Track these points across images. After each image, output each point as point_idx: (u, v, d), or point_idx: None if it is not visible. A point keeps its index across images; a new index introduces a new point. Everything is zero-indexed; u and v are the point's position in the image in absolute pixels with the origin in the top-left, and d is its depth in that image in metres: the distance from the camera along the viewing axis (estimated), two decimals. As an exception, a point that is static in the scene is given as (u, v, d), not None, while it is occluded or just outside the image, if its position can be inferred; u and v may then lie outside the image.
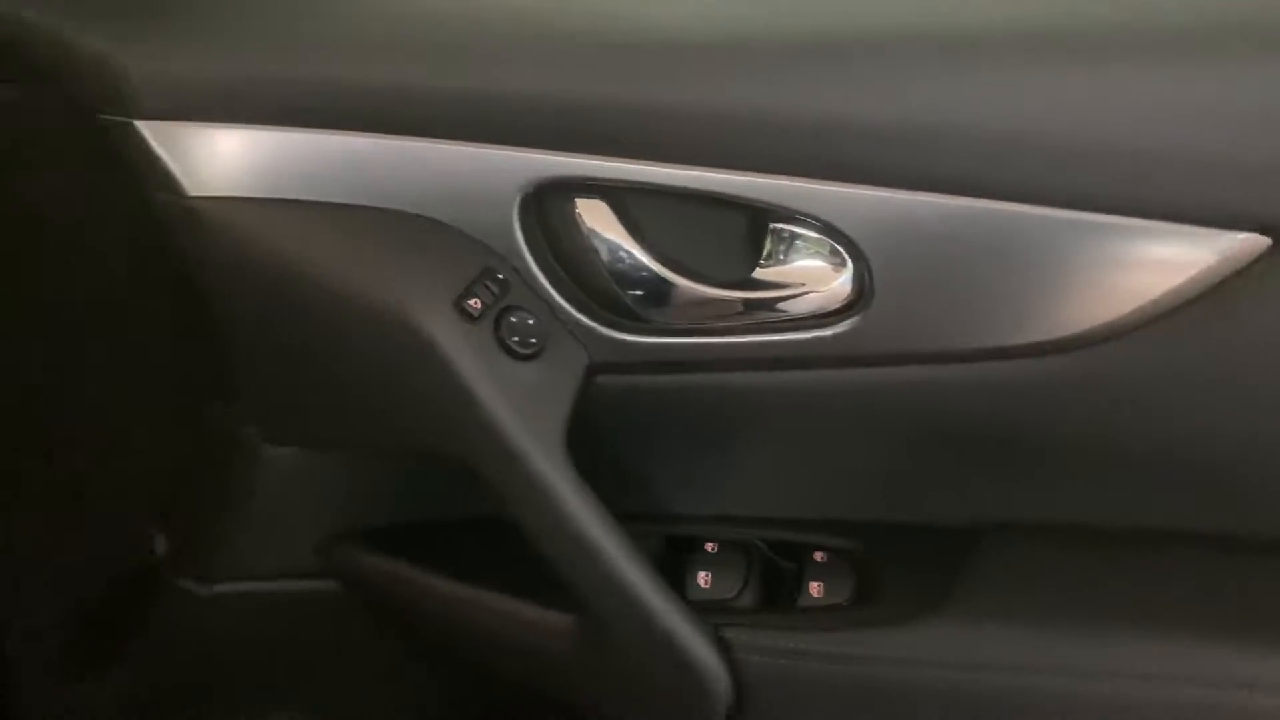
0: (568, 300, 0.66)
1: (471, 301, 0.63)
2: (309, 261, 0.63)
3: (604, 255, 0.65)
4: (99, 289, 0.72)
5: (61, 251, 0.71)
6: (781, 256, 0.65)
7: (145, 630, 0.81)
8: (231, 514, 0.75)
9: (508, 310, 0.64)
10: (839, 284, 0.65)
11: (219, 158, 0.63)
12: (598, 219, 0.65)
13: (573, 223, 0.65)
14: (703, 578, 0.72)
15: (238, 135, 0.63)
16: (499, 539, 0.68)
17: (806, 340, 0.66)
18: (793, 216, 0.64)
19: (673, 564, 0.72)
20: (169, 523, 0.77)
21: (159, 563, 0.78)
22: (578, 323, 0.66)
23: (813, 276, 0.65)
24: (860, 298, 0.64)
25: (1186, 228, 0.61)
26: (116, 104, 0.63)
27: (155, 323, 0.72)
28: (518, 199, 0.64)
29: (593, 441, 0.66)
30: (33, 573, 0.81)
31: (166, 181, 0.63)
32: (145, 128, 0.62)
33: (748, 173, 0.63)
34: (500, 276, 0.65)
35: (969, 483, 0.72)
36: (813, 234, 0.64)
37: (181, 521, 0.77)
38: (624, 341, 0.67)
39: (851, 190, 0.62)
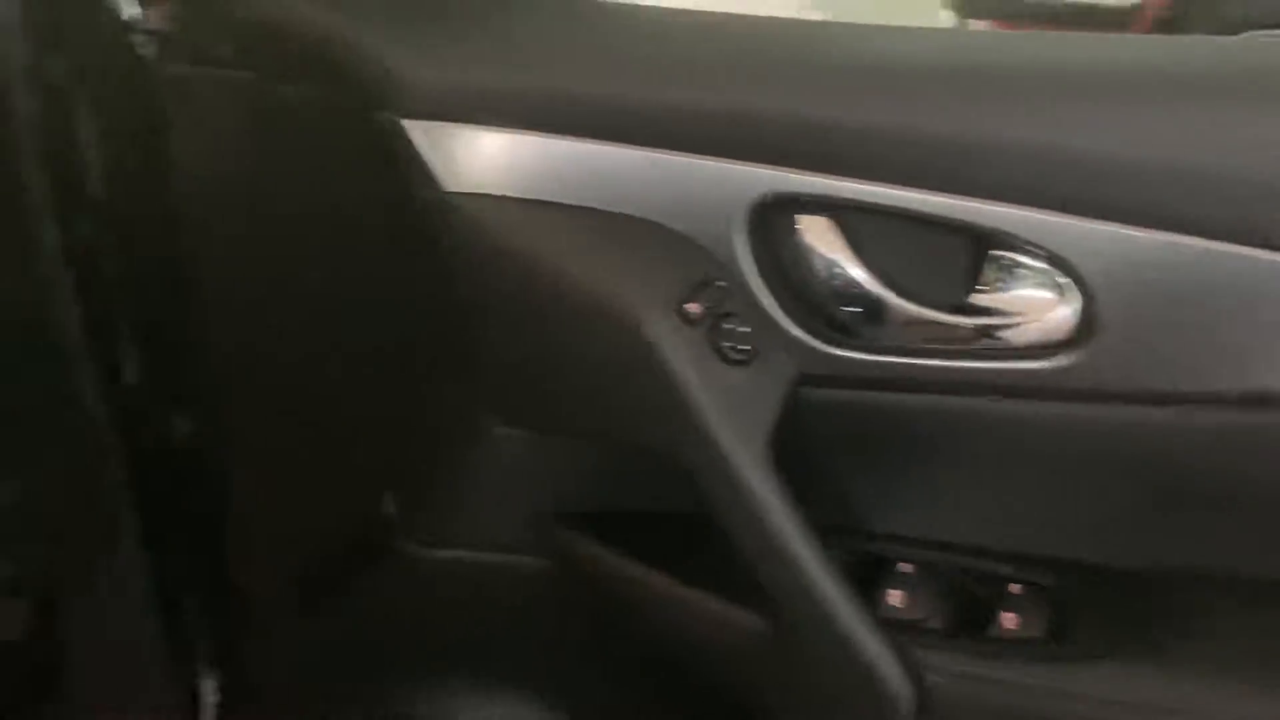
0: (783, 311, 0.68)
1: (692, 306, 0.66)
2: (547, 257, 0.68)
3: (823, 270, 0.67)
4: (359, 274, 0.79)
5: (328, 237, 0.79)
6: (1001, 284, 0.65)
7: (366, 585, 0.88)
8: (458, 485, 0.80)
9: (725, 316, 0.67)
10: (1060, 316, 0.64)
11: (475, 157, 0.68)
12: (820, 235, 0.67)
13: (794, 237, 0.67)
14: (895, 596, 0.72)
15: (493, 137, 0.68)
16: (702, 535, 0.70)
17: (1022, 370, 0.65)
18: (1018, 245, 0.64)
19: (866, 580, 0.73)
20: (402, 488, 0.84)
21: (388, 524, 0.84)
22: (790, 334, 0.68)
23: (1032, 306, 0.65)
24: (1083, 332, 0.64)
25: None
26: (388, 103, 0.69)
27: (407, 307, 0.78)
28: (745, 211, 0.67)
29: (797, 451, 0.68)
30: (279, 522, 0.89)
31: (426, 177, 0.69)
32: (412, 126, 0.68)
33: (976, 199, 0.63)
34: (720, 284, 0.67)
35: (1177, 529, 0.69)
36: (1035, 264, 0.64)
37: (413, 488, 0.83)
38: (835, 356, 0.68)
39: (1082, 223, 0.62)
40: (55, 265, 0.76)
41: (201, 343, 0.85)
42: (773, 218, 0.67)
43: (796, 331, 0.68)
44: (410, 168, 0.69)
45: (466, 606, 0.85)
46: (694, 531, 0.71)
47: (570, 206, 0.68)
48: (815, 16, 0.77)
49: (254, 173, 0.79)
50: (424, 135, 0.68)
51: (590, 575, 0.79)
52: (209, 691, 0.92)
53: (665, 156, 0.67)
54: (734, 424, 0.65)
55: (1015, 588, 0.72)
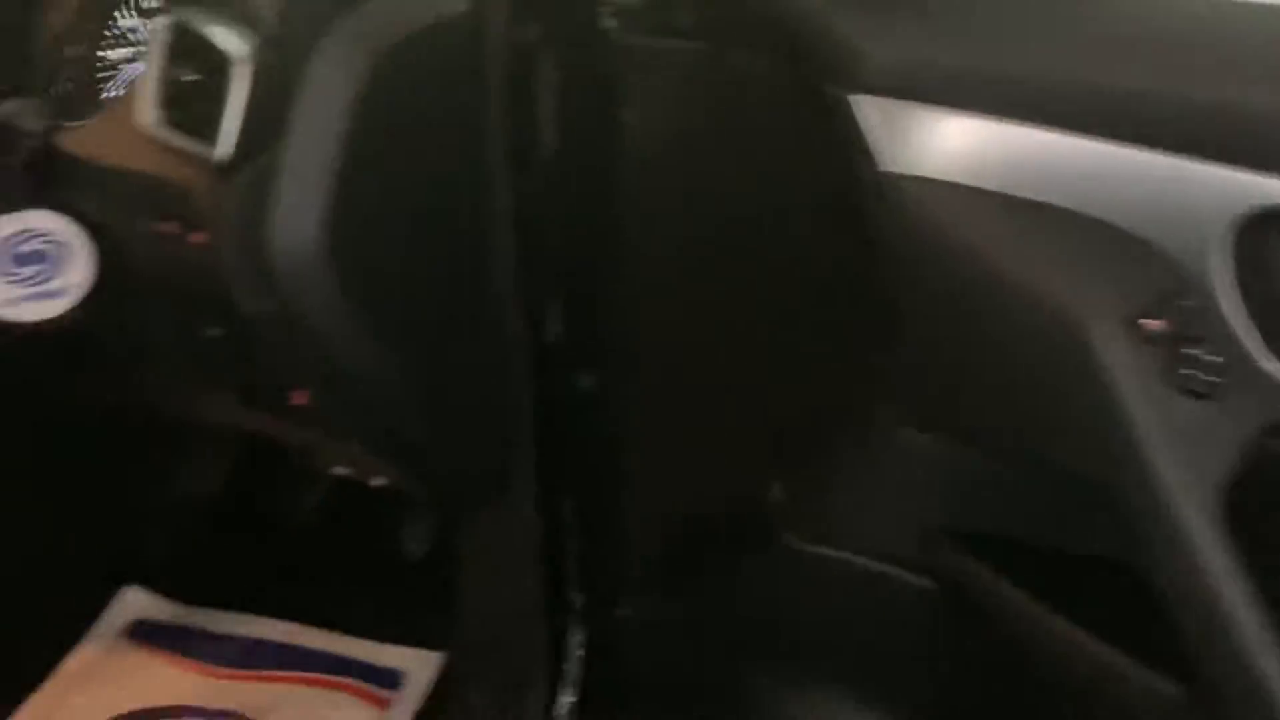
0: (1264, 344, 0.59)
1: (1151, 322, 0.59)
2: (988, 249, 0.64)
3: (1324, 302, 0.58)
4: (784, 249, 0.78)
5: (759, 210, 0.79)
6: None
7: (741, 569, 0.88)
8: (851, 484, 0.78)
9: (1189, 340, 0.59)
10: None
11: (922, 138, 0.66)
12: None
13: None
14: (1354, 698, 0.62)
15: (944, 119, 0.65)
16: (1113, 579, 0.63)
17: None
18: None
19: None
20: (793, 478, 0.83)
21: (774, 513, 0.83)
22: (1268, 372, 0.59)
23: None
24: None
25: None
26: (839, 77, 0.68)
27: (828, 288, 0.77)
28: (1230, 223, 0.59)
29: (1254, 507, 0.59)
30: (664, 490, 0.91)
31: (866, 154, 0.67)
32: (859, 102, 0.67)
33: None
34: (1186, 303, 0.60)
35: None
36: None
37: (805, 479, 0.82)
38: None
39: None
40: (504, 218, 0.81)
41: (618, 306, 0.88)
42: (1265, 234, 0.58)
43: (1276, 370, 0.59)
44: (851, 144, 0.67)
45: (838, 611, 0.83)
46: (1108, 574, 0.64)
47: (1021, 199, 0.63)
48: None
49: (694, 142, 0.81)
50: (872, 112, 0.66)
51: (984, 604, 0.73)
52: (575, 646, 0.95)
53: (1140, 154, 0.60)
54: (1186, 466, 0.58)
55: None
